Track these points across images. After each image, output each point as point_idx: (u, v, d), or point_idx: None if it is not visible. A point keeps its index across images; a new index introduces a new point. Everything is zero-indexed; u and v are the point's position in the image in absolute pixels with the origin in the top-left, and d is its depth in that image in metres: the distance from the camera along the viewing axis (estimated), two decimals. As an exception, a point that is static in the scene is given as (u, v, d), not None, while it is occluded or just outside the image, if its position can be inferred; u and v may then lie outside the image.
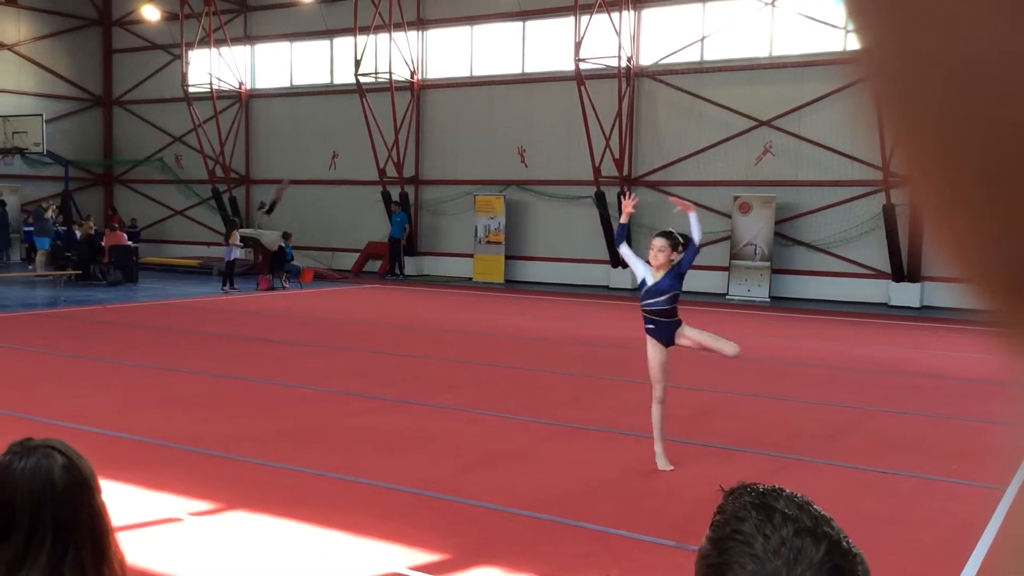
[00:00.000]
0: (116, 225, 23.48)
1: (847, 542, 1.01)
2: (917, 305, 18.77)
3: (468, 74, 24.21)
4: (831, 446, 7.70)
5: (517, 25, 23.35)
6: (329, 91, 26.32)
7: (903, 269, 18.81)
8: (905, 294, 18.92)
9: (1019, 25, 0.27)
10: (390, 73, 23.77)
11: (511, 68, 23.49)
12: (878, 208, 18.82)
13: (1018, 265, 0.30)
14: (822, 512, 1.04)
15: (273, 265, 21.41)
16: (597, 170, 21.22)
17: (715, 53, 20.98)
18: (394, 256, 24.12)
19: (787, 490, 1.07)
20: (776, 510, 1.02)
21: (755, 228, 20.00)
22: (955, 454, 7.50)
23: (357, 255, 25.29)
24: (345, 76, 25.42)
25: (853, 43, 0.33)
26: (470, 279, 23.47)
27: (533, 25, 23.19)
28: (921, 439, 7.98)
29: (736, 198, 20.20)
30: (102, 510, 1.72)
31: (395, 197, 24.25)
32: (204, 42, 26.52)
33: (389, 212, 24.29)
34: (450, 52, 24.51)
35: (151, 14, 27.44)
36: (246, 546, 5.19)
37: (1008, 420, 8.52)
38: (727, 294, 20.34)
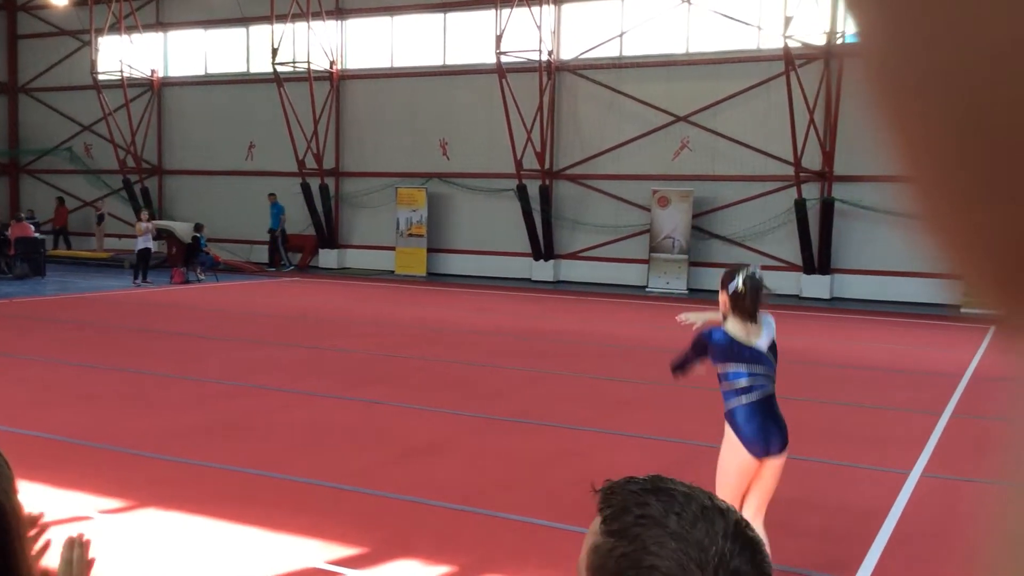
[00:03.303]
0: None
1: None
2: (827, 297, 19.34)
3: (389, 65, 24.02)
4: (744, 434, 7.89)
5: (438, 17, 23.26)
6: (245, 80, 25.80)
7: (814, 262, 19.37)
8: (816, 286, 19.48)
9: None
10: (308, 63, 23.42)
11: (432, 60, 23.39)
12: (790, 203, 19.32)
13: (1016, 263, 0.29)
14: (707, 490, 1.07)
15: (187, 257, 20.93)
16: (519, 163, 21.29)
17: (634, 49, 21.24)
18: (274, 248, 24.11)
19: (665, 476, 1.08)
20: (674, 491, 1.03)
21: (673, 221, 20.34)
22: (862, 440, 7.77)
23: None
24: (262, 65, 24.95)
25: (850, 37, 0.32)
26: (392, 272, 23.33)
27: (454, 17, 23.12)
28: (829, 426, 8.24)
29: (655, 192, 20.50)
30: (16, 511, 1.66)
31: (315, 189, 23.96)
32: (114, 28, 25.73)
33: (309, 204, 23.97)
34: (370, 43, 24.26)
35: (58, -2, 26.50)
36: (159, 544, 5.08)
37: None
38: (646, 286, 20.64)
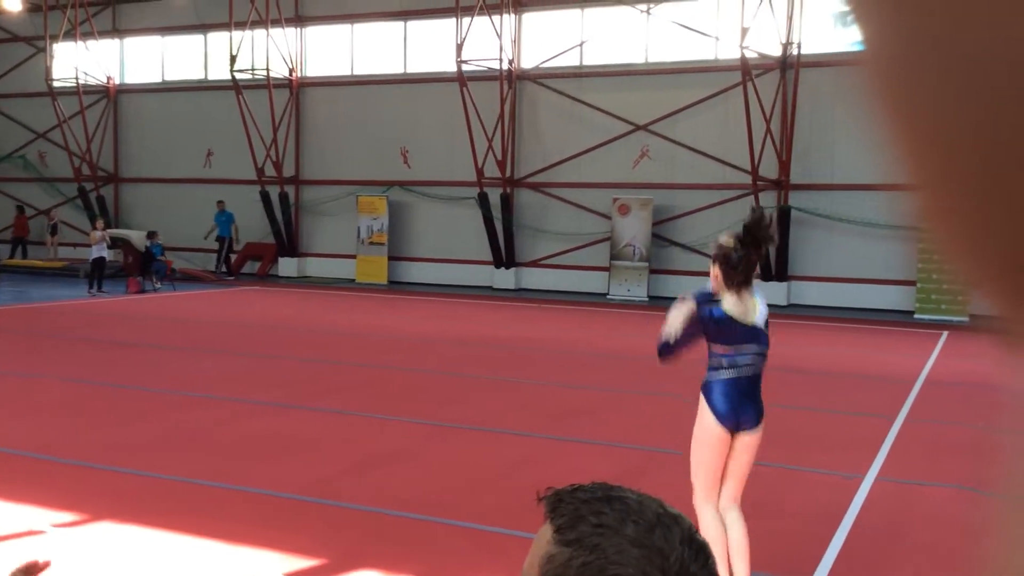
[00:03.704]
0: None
1: None
2: (784, 303, 19.58)
3: (349, 73, 23.94)
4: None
5: (398, 25, 23.24)
6: (203, 87, 25.56)
7: (771, 269, 19.61)
8: (773, 293, 19.70)
9: None
10: (267, 70, 23.27)
11: (393, 68, 23.35)
12: (748, 211, 19.47)
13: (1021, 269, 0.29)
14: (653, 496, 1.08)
15: (143, 266, 20.67)
16: (480, 171, 21.31)
17: (594, 58, 21.39)
18: (228, 256, 23.94)
19: (609, 483, 1.08)
20: (626, 498, 1.03)
21: (634, 229, 20.49)
22: (817, 444, 7.87)
23: (235, 256, 24.67)
24: (220, 72, 24.74)
25: (856, 43, 0.31)
26: (353, 280, 23.22)
27: (415, 25, 23.11)
28: (786, 431, 8.32)
29: (615, 200, 20.64)
30: None
31: (274, 197, 23.79)
32: (70, 35, 25.37)
33: (269, 212, 23.79)
34: (330, 50, 24.18)
35: (12, 4, 26.03)
36: (114, 558, 5.01)
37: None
38: (607, 294, 20.75)
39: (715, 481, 4.33)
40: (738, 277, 4.24)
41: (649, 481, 6.50)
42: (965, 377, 11.08)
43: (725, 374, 4.27)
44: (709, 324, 4.22)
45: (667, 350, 4.32)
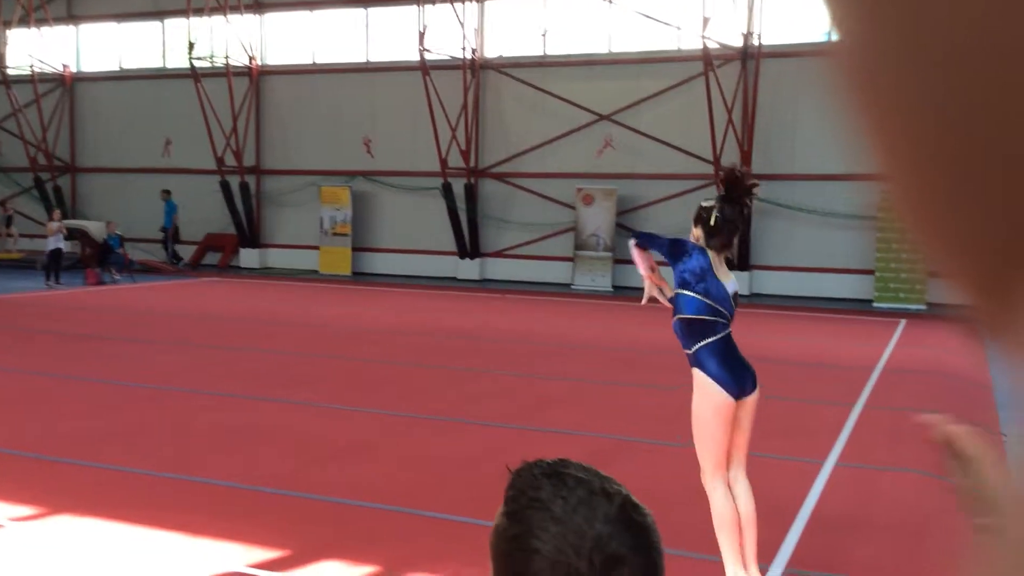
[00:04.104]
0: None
1: (634, 498, 1.08)
2: (746, 293, 19.75)
3: (310, 61, 23.71)
4: (666, 427, 8.02)
5: (360, 12, 23.05)
6: (161, 75, 25.18)
7: (734, 259, 19.76)
8: (736, 282, 19.88)
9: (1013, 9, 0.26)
10: (226, 57, 22.97)
11: (355, 56, 23.17)
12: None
13: (996, 262, 0.29)
14: (606, 475, 1.10)
15: (101, 258, 20.36)
16: (444, 161, 21.24)
17: (557, 48, 21.39)
18: (168, 246, 23.64)
19: (573, 460, 1.11)
20: (567, 475, 1.06)
21: (598, 219, 20.55)
22: (777, 431, 7.96)
23: (195, 247, 24.38)
24: (178, 60, 24.39)
25: (829, 37, 0.31)
26: (316, 271, 23.05)
27: (376, 12, 22.94)
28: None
29: (579, 190, 20.68)
30: None
31: (235, 187, 23.52)
32: (24, 21, 24.85)
33: (229, 203, 23.52)
34: (290, 38, 23.92)
35: (-38, -12, 25.47)
36: (74, 551, 4.94)
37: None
38: (572, 284, 20.81)
39: (724, 455, 4.24)
40: (719, 239, 4.21)
41: (617, 469, 6.53)
42: (923, 364, 11.27)
43: (711, 338, 4.19)
44: (692, 262, 4.16)
45: (643, 244, 4.39)
